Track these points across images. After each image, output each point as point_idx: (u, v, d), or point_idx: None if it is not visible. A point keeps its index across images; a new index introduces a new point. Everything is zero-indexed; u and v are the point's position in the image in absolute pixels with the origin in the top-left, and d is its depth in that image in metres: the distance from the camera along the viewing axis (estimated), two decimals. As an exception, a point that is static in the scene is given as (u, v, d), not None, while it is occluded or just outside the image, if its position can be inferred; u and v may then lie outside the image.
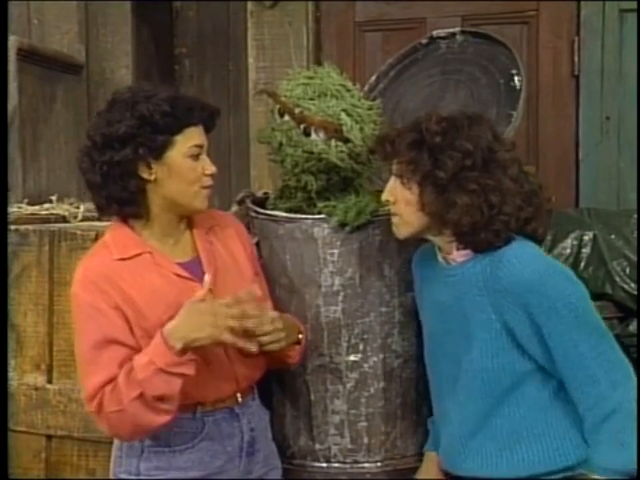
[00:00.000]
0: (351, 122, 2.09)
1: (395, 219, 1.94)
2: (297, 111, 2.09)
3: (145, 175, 1.92)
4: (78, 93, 3.86)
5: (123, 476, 2.01)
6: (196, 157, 1.94)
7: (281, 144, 2.13)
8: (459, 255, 1.91)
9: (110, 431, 1.92)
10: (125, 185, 1.90)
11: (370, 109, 2.17)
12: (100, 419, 1.89)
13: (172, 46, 4.29)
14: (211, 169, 1.97)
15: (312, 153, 2.09)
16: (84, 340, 1.91)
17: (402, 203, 1.90)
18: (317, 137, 2.09)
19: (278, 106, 2.14)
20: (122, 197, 1.92)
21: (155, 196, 1.94)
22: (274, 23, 3.51)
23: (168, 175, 1.92)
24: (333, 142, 2.08)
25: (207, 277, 1.89)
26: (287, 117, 2.12)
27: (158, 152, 1.90)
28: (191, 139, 1.93)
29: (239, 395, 2.02)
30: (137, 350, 1.87)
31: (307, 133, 2.09)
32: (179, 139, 1.92)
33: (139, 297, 1.90)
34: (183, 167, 1.92)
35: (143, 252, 1.95)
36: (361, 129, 2.10)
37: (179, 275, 1.95)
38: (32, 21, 3.78)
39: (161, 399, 1.83)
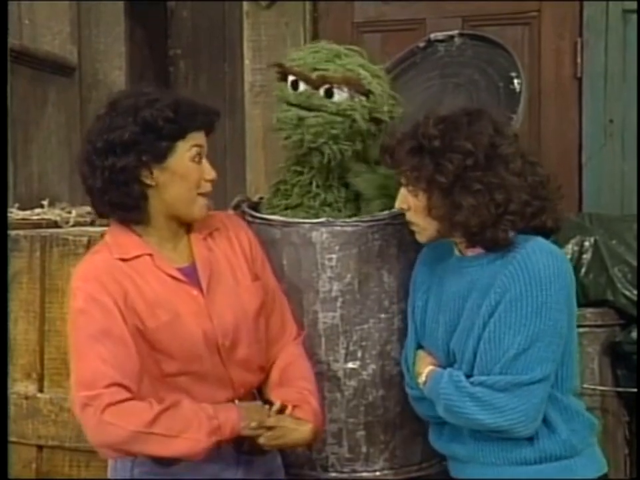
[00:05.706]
0: (370, 76, 2.12)
1: (411, 227, 1.94)
2: (314, 75, 2.10)
3: (147, 181, 1.91)
4: (70, 95, 3.88)
5: None
6: (198, 160, 1.94)
7: (299, 119, 2.11)
8: (475, 249, 1.90)
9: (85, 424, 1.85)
10: (128, 192, 1.90)
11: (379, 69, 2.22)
12: (87, 414, 1.82)
13: (166, 47, 4.31)
14: (211, 174, 1.96)
15: (337, 113, 2.10)
16: (80, 331, 1.87)
17: (413, 210, 1.90)
18: (340, 96, 2.10)
19: (290, 79, 2.14)
20: (125, 203, 1.91)
21: (156, 201, 1.93)
22: (270, 23, 3.52)
23: (169, 180, 1.92)
24: (356, 98, 2.11)
25: None
26: (302, 88, 2.12)
27: (160, 158, 1.90)
28: (192, 141, 1.93)
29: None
30: (132, 347, 1.85)
31: (329, 95, 2.11)
32: (181, 144, 1.91)
33: (139, 298, 1.90)
34: (184, 170, 1.92)
35: (143, 254, 1.94)
36: (379, 84, 2.13)
37: (176, 279, 1.94)
38: (23, 21, 3.80)
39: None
